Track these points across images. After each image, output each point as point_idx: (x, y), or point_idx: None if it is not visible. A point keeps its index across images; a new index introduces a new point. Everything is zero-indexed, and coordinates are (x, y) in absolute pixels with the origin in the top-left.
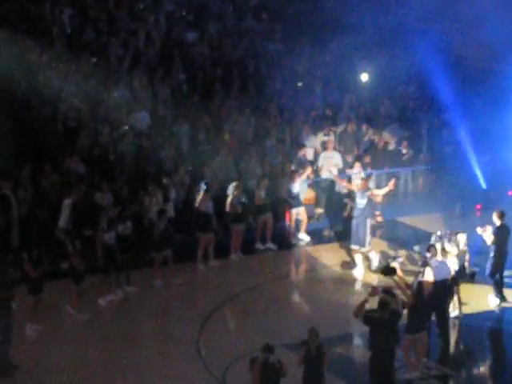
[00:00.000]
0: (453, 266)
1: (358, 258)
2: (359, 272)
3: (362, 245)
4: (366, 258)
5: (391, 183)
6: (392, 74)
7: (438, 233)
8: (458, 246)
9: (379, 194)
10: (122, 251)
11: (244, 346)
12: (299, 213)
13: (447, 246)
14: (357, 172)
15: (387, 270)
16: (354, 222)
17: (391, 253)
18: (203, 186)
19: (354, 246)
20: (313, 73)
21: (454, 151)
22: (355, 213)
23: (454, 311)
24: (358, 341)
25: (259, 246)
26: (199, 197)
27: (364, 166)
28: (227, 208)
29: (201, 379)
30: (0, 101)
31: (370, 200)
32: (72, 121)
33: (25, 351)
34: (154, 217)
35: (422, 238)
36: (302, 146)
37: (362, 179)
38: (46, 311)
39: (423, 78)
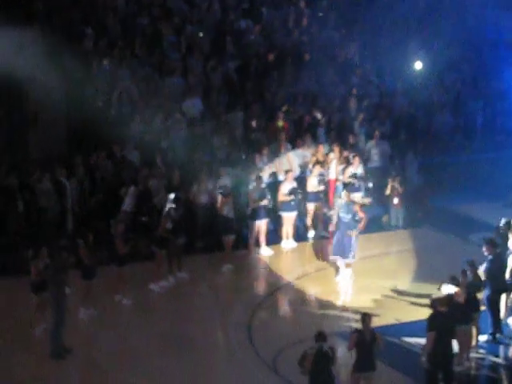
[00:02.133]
0: None
1: (342, 266)
2: (345, 277)
3: (346, 256)
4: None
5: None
6: (446, 61)
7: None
8: None
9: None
10: (175, 237)
11: (295, 333)
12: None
13: None
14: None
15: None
16: (338, 233)
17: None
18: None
19: (333, 257)
20: (366, 60)
21: (507, 140)
22: (340, 225)
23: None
24: (405, 330)
25: (312, 233)
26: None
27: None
28: (279, 196)
29: (252, 365)
30: (54, 89)
31: (355, 214)
32: (125, 108)
33: (78, 335)
34: (203, 202)
35: (476, 228)
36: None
37: (345, 192)
38: (99, 296)
39: (477, 66)
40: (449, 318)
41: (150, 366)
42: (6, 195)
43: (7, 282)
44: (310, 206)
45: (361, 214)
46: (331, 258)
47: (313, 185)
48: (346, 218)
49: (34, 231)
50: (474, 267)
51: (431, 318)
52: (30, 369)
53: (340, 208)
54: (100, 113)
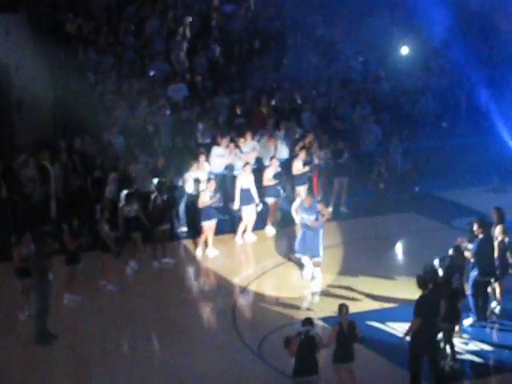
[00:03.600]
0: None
1: (307, 263)
2: (316, 279)
3: (316, 255)
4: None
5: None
6: (430, 47)
7: None
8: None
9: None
10: (158, 223)
11: (279, 318)
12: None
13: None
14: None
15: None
16: (302, 230)
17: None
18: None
19: (298, 255)
20: (350, 45)
21: (491, 125)
22: (303, 225)
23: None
24: (389, 314)
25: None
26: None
27: (402, 140)
28: (263, 182)
29: (236, 350)
30: (39, 74)
31: (318, 214)
32: (110, 93)
33: (62, 321)
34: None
35: (461, 213)
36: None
37: (307, 196)
38: (83, 281)
39: (462, 52)
40: (432, 300)
41: (135, 351)
42: None
43: None
44: (299, 189)
45: (324, 212)
46: (296, 254)
47: (298, 168)
48: (308, 220)
49: (18, 217)
50: (458, 251)
51: (418, 304)
52: (15, 354)
53: (301, 208)
54: (85, 98)
